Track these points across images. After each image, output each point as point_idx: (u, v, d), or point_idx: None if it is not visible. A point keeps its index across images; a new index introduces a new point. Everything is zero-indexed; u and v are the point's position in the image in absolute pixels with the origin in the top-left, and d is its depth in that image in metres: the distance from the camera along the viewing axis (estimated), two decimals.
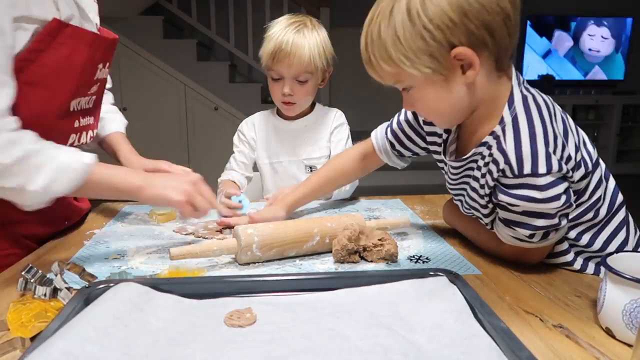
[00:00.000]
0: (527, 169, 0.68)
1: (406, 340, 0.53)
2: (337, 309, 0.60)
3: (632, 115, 5.17)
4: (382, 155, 1.05)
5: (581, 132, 0.79)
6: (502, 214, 0.78)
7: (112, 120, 1.16)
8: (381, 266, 0.83)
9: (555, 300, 0.71)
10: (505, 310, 0.67)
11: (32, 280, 0.66)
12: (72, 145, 0.95)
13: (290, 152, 1.37)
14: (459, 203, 0.89)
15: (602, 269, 0.60)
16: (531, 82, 0.78)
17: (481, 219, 0.85)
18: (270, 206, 1.06)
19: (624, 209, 0.82)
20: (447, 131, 0.87)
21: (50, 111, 0.83)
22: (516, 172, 0.69)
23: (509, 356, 0.49)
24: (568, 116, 0.78)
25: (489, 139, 0.74)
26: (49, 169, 0.76)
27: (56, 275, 0.66)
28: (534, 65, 5.11)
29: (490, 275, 0.79)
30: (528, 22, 5.00)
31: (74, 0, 0.87)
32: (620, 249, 0.80)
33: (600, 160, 0.81)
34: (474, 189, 0.81)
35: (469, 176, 0.82)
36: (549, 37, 5.10)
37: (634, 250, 0.83)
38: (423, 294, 0.62)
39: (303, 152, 1.37)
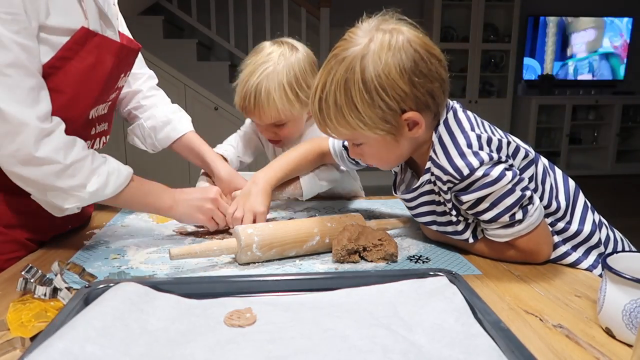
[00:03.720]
0: (465, 171, 0.77)
1: (406, 340, 0.53)
2: (336, 308, 0.60)
3: (632, 115, 5.17)
4: (337, 159, 1.10)
5: (515, 137, 0.87)
6: (479, 216, 0.81)
7: (180, 119, 1.14)
8: (381, 266, 0.83)
9: (555, 300, 0.71)
10: (505, 310, 0.67)
11: (32, 280, 0.65)
12: None
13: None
14: (434, 227, 0.91)
15: (603, 268, 0.60)
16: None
17: (460, 235, 0.86)
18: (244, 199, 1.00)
19: (580, 193, 0.90)
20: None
21: (72, 118, 0.83)
22: (459, 177, 0.77)
23: (509, 356, 0.49)
24: (497, 127, 0.87)
25: (429, 164, 0.83)
26: (103, 172, 0.82)
27: (56, 275, 0.66)
28: (534, 66, 5.11)
29: (490, 275, 0.79)
30: (528, 22, 5.00)
31: (99, 7, 0.86)
32: (594, 227, 0.87)
33: (542, 157, 0.90)
34: (443, 213, 0.86)
35: (431, 203, 0.88)
36: (549, 38, 5.10)
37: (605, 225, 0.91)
38: (423, 294, 0.62)
39: None
